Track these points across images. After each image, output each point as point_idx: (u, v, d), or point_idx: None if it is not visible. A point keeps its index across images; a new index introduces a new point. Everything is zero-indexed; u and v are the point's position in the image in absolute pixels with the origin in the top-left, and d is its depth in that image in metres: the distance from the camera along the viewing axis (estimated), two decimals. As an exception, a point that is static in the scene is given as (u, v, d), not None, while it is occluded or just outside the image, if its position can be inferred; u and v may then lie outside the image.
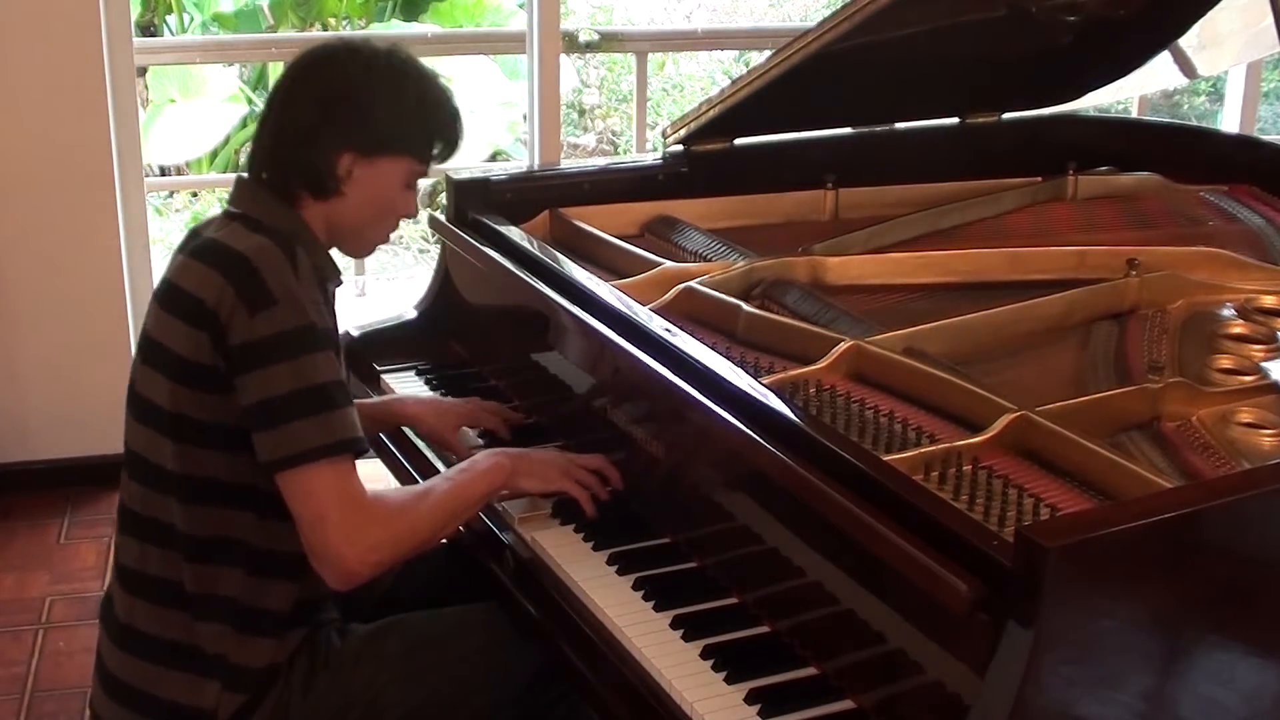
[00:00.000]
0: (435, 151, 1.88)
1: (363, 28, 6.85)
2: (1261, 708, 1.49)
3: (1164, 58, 2.83)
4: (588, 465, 1.92)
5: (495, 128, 6.62)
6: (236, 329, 1.68)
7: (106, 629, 1.86)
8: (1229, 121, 4.55)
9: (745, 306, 2.05)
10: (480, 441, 2.14)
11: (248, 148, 1.96)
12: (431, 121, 1.86)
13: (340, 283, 1.90)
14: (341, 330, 2.47)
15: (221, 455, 1.74)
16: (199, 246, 1.78)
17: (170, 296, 1.76)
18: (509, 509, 1.93)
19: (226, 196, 1.88)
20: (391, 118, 1.82)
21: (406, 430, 2.22)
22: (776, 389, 1.73)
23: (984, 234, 2.47)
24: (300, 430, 1.67)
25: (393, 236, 2.01)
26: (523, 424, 2.17)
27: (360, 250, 1.98)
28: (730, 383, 1.72)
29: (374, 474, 2.58)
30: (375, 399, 2.26)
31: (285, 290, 1.69)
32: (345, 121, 1.80)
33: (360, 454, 1.73)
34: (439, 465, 2.11)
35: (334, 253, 1.91)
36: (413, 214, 1.94)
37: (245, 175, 1.86)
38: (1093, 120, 2.94)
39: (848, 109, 2.69)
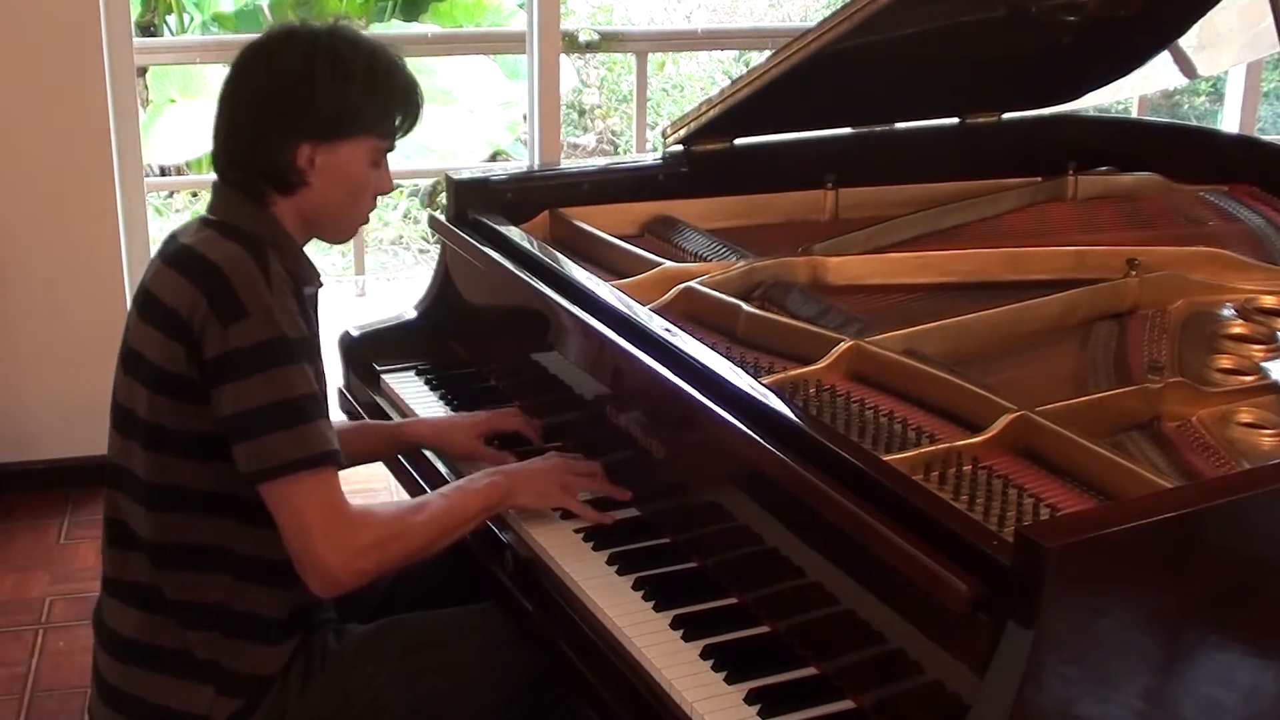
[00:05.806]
0: (396, 123, 1.84)
1: (363, 28, 6.84)
2: (1261, 708, 1.49)
3: (1164, 58, 2.83)
4: (584, 473, 1.91)
5: (495, 128, 6.62)
6: (210, 341, 1.67)
7: (98, 636, 1.87)
8: (1229, 121, 4.55)
9: (745, 307, 2.05)
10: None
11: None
12: (384, 95, 1.81)
13: (320, 285, 1.88)
14: (341, 330, 2.49)
15: (198, 464, 1.73)
16: (174, 253, 1.76)
17: (147, 306, 1.76)
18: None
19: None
20: (339, 100, 1.77)
21: (426, 452, 2.16)
22: (776, 389, 1.73)
23: (984, 234, 2.47)
24: (275, 443, 1.66)
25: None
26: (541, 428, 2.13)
27: (341, 235, 1.93)
28: (730, 383, 1.71)
29: (372, 476, 2.59)
30: (386, 423, 2.23)
31: (258, 302, 1.68)
32: (292, 114, 1.77)
33: (340, 467, 1.72)
34: (451, 480, 2.07)
35: (316, 244, 1.88)
36: (387, 190, 1.90)
37: (219, 181, 1.84)
38: (1093, 120, 2.94)
39: (848, 109, 2.69)
